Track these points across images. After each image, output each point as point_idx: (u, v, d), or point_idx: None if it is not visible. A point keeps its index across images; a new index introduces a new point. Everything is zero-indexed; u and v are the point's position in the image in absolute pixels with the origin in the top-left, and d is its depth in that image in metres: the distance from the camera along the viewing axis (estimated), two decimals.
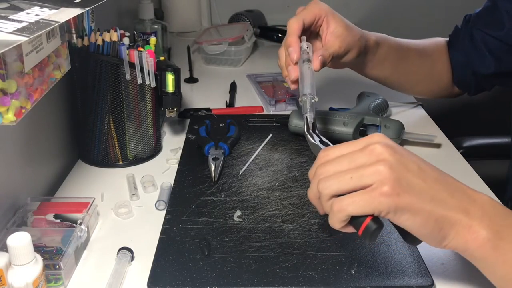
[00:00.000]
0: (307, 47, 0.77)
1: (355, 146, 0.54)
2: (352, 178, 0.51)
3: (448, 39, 1.04)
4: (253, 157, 0.88)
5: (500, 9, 0.92)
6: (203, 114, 1.05)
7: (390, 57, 0.94)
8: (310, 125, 0.68)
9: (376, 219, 0.51)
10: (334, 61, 0.82)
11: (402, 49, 0.96)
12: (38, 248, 0.62)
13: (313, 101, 0.70)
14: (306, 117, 0.69)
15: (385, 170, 0.50)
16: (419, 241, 0.54)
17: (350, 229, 0.54)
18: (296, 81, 0.76)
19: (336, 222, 0.53)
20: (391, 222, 0.54)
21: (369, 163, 0.51)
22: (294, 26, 0.78)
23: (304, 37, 0.80)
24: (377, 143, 0.53)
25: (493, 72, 0.96)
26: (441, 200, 0.51)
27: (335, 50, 0.80)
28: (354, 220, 0.52)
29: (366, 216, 0.51)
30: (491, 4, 0.95)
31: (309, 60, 0.76)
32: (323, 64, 0.77)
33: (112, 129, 0.86)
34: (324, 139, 0.65)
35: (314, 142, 0.65)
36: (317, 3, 0.81)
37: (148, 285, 0.60)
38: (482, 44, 0.95)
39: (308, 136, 0.66)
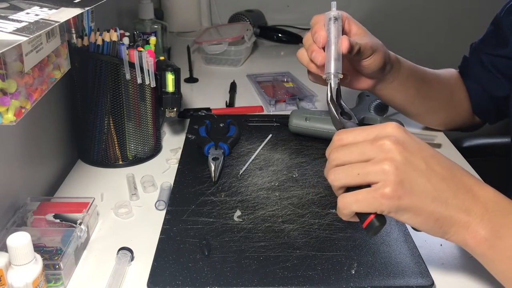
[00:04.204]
0: (338, 13, 0.71)
1: (367, 135, 0.55)
2: (359, 174, 0.53)
3: (458, 70, 1.01)
4: (253, 157, 0.88)
5: (503, 27, 0.91)
6: (203, 114, 1.05)
7: (412, 78, 0.88)
8: (334, 92, 0.64)
9: (379, 216, 0.53)
10: (360, 66, 0.78)
11: (419, 72, 0.91)
12: (38, 248, 0.62)
13: (338, 73, 0.65)
14: (330, 83, 0.64)
15: (390, 170, 0.51)
16: None
17: (358, 219, 0.56)
18: (322, 66, 0.69)
19: (342, 216, 0.56)
20: None
21: (377, 159, 0.52)
22: (319, 17, 0.73)
23: (334, 3, 0.72)
24: (387, 138, 0.53)
25: (509, 94, 0.92)
26: (443, 200, 0.52)
27: (362, 44, 0.74)
28: (359, 213, 0.54)
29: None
30: (493, 27, 0.95)
31: (337, 20, 0.70)
32: (351, 46, 0.70)
33: (112, 129, 0.86)
34: (346, 110, 0.62)
35: (335, 114, 0.61)
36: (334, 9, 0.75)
37: (148, 285, 0.60)
38: (491, 67, 0.93)
39: (331, 106, 0.62)
